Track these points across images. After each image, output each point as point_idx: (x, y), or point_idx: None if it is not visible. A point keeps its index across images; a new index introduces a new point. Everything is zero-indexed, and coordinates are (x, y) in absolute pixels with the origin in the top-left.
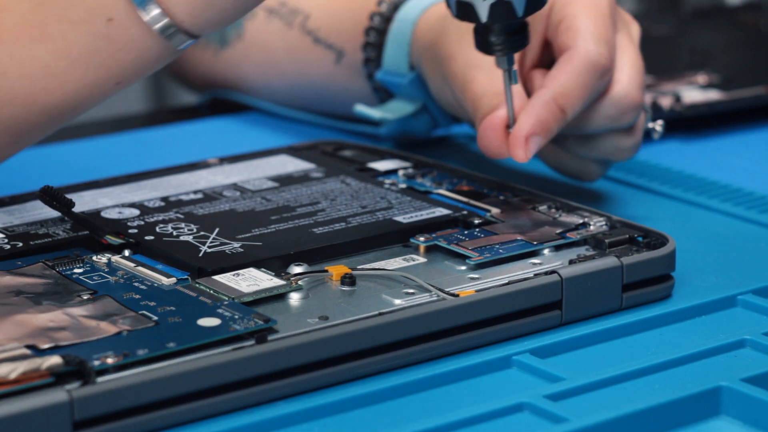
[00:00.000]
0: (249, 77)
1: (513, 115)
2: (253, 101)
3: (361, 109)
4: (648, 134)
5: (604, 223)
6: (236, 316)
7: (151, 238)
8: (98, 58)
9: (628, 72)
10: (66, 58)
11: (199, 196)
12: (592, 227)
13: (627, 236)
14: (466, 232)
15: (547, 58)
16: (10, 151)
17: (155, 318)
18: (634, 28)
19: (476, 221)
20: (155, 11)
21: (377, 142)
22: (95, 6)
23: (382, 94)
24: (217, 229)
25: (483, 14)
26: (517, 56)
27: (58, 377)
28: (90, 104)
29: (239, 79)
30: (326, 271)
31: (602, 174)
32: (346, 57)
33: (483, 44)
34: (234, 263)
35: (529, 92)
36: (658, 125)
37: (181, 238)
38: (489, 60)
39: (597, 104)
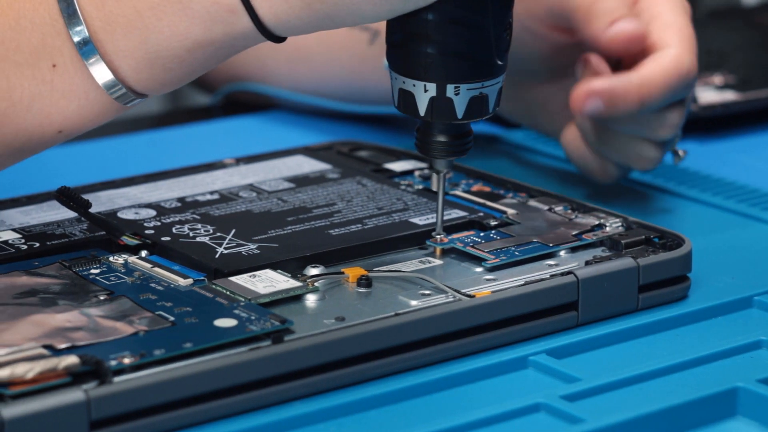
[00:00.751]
0: (274, 68)
1: (441, 222)
2: (273, 91)
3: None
4: (671, 154)
5: (620, 224)
6: (253, 317)
7: (168, 238)
8: (39, 104)
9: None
10: (7, 100)
11: (216, 196)
12: (608, 228)
13: (643, 237)
14: (482, 234)
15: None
16: None
17: (172, 318)
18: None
19: (492, 223)
20: (100, 63)
21: (393, 143)
22: (41, 50)
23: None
24: (233, 230)
25: (422, 108)
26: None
27: (75, 377)
28: (28, 151)
29: (263, 70)
30: (342, 272)
31: (619, 178)
32: (381, 36)
33: (422, 144)
34: (250, 264)
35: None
36: (682, 152)
37: (198, 239)
38: None
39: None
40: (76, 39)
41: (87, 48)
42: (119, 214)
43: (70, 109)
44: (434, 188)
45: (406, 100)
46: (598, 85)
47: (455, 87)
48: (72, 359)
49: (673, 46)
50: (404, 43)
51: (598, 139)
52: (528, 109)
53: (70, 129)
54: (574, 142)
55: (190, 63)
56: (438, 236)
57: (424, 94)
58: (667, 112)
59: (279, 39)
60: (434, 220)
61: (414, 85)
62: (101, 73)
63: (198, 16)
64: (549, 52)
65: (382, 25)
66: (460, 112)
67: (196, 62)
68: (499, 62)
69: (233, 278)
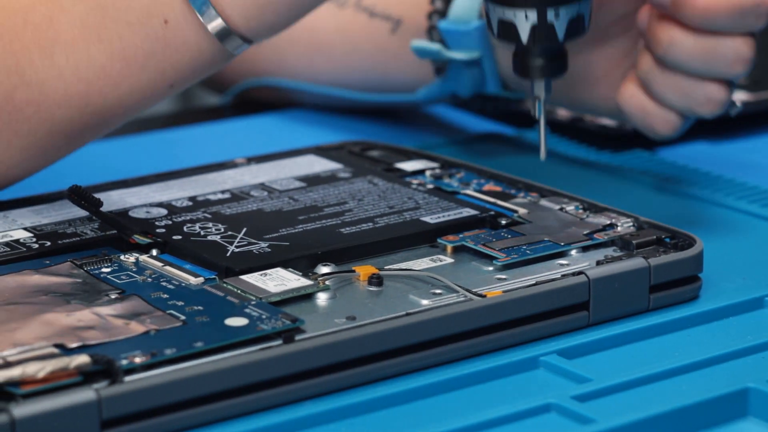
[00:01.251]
0: (292, 61)
1: (545, 145)
2: (289, 83)
3: (419, 43)
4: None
5: (631, 224)
6: (264, 316)
7: (179, 237)
8: (153, 60)
9: None
10: (122, 60)
11: (227, 195)
12: (619, 228)
13: (654, 237)
14: (493, 232)
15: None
16: (63, 153)
17: (183, 317)
18: None
19: (503, 222)
20: (211, 14)
21: (404, 142)
22: (152, 8)
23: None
24: (244, 229)
25: (524, 36)
26: None
27: (86, 376)
28: (143, 106)
29: (281, 64)
30: (353, 271)
31: (680, 130)
32: (404, 24)
33: (522, 67)
34: (261, 263)
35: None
36: (739, 101)
37: (209, 237)
38: None
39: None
40: None
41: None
42: (130, 213)
43: (182, 62)
44: (534, 114)
45: (507, 29)
46: None
47: (555, 11)
48: (83, 358)
49: None
50: None
51: (662, 85)
52: (565, 84)
53: (182, 82)
54: (633, 98)
55: (299, 3)
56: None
57: (525, 21)
58: (735, 43)
59: None
60: (445, 219)
61: (515, 14)
62: (213, 23)
63: None
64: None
65: (405, 13)
66: (561, 34)
67: (303, 3)
68: None
69: (244, 277)
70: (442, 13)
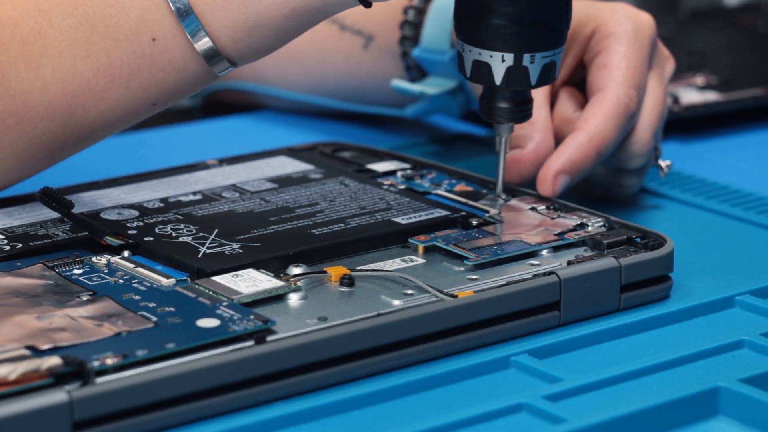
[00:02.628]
0: (266, 71)
1: (502, 182)
2: (261, 89)
3: (399, 83)
4: (656, 168)
5: (602, 224)
6: (235, 317)
7: (151, 239)
8: (138, 77)
9: (645, 117)
10: (107, 76)
11: (199, 197)
12: (590, 228)
13: (625, 237)
14: (464, 232)
15: (578, 77)
16: (42, 166)
17: (155, 319)
18: (669, 67)
19: (475, 222)
20: (201, 34)
21: (376, 143)
22: (140, 25)
23: (415, 73)
24: (216, 230)
25: (498, 77)
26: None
27: (57, 378)
28: (124, 123)
29: (255, 72)
30: (325, 272)
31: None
32: (376, 41)
33: (488, 110)
34: (233, 264)
35: (552, 106)
36: (666, 165)
37: (181, 239)
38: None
39: None
40: (177, 11)
41: (188, 19)
42: (102, 215)
43: (167, 81)
44: (498, 149)
45: (481, 70)
46: (558, 164)
47: (531, 56)
48: (55, 360)
49: (606, 87)
50: (480, 16)
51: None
52: None
53: (164, 101)
54: None
55: (285, 30)
56: (500, 196)
57: (501, 64)
58: (630, 144)
59: (368, 3)
60: (416, 220)
61: (491, 56)
62: (201, 44)
63: None
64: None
65: (375, 30)
66: (533, 79)
67: (291, 29)
68: (566, 30)
69: (216, 278)
70: (413, 39)
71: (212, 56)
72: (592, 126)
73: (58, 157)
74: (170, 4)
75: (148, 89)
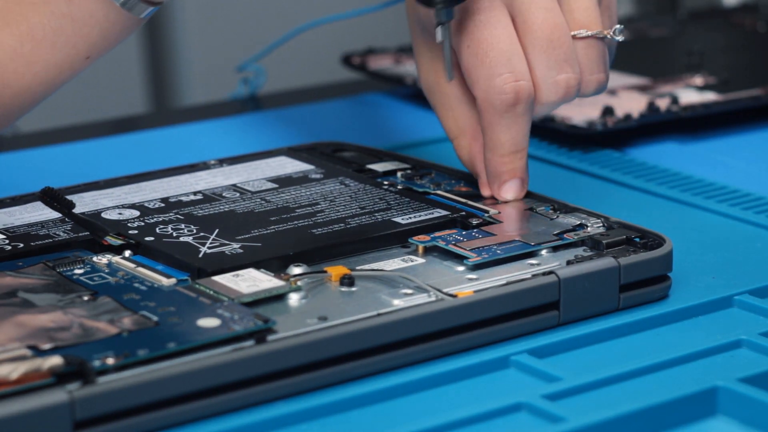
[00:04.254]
0: None
1: (451, 69)
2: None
3: None
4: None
5: (601, 224)
6: (236, 317)
7: (151, 239)
8: (63, 37)
9: (534, 53)
10: (31, 41)
11: (199, 197)
12: (589, 228)
13: (624, 237)
14: (464, 232)
15: None
16: None
17: (155, 318)
18: None
19: (474, 222)
20: None
21: (376, 144)
22: None
23: None
24: (216, 230)
25: None
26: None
27: (58, 377)
28: (61, 81)
29: None
30: (325, 271)
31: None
32: None
33: None
34: (233, 264)
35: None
36: (617, 29)
37: (181, 239)
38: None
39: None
40: None
41: None
42: (103, 215)
43: (93, 35)
44: (439, 39)
45: None
46: (493, 186)
47: None
48: (56, 360)
49: (475, 95)
50: None
51: None
52: None
53: (98, 52)
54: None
55: None
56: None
57: None
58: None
59: None
60: (416, 220)
61: None
62: None
63: None
64: None
65: None
66: None
67: None
68: None
69: (216, 278)
70: None
71: (130, 3)
72: (489, 138)
73: (3, 124)
74: None
75: (77, 45)
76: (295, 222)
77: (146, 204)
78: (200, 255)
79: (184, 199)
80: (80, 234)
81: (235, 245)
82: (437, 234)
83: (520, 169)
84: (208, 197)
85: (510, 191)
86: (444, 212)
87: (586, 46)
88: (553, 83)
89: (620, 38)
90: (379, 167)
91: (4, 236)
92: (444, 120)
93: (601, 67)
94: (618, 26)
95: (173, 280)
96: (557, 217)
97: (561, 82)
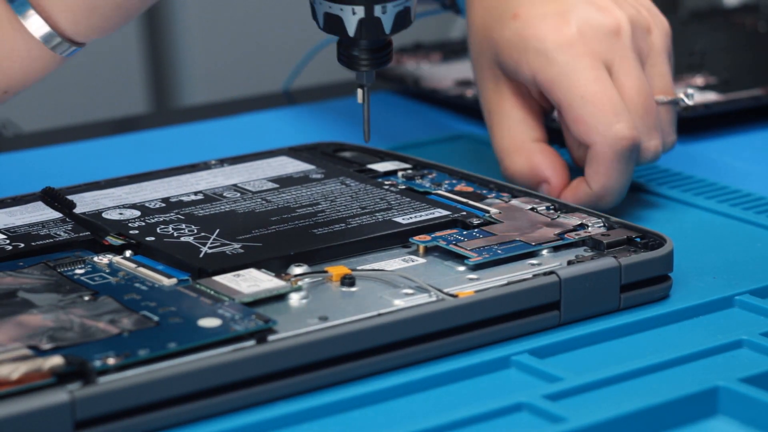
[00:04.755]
0: None
1: (369, 131)
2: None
3: None
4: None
5: (602, 224)
6: (237, 317)
7: (152, 239)
8: None
9: (639, 118)
10: None
11: (200, 197)
12: (590, 228)
13: (625, 237)
14: (465, 232)
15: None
16: None
17: (156, 318)
18: (657, 35)
19: (475, 222)
20: (37, 21)
21: (377, 144)
22: None
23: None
24: (217, 230)
25: (351, 29)
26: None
27: (59, 377)
28: None
29: None
30: (326, 271)
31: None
32: None
33: (347, 59)
34: (234, 264)
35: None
36: (686, 95)
37: (182, 239)
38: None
39: None
40: (10, 0)
41: (19, 3)
42: (104, 215)
43: (14, 69)
44: (360, 101)
45: (333, 22)
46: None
47: (383, 6)
48: (56, 360)
49: (592, 142)
50: None
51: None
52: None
53: (15, 87)
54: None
55: (127, 8)
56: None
57: (352, 16)
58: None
59: None
60: (417, 220)
61: (342, 9)
62: (38, 28)
63: None
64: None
65: None
66: (387, 28)
67: (133, 5)
68: None
69: (217, 278)
70: None
71: (52, 39)
72: (598, 185)
73: None
74: None
75: None
76: (296, 222)
77: (147, 204)
78: (201, 255)
79: (184, 199)
80: (81, 234)
81: (236, 245)
82: (438, 234)
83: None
84: (209, 197)
85: None
86: (445, 212)
87: (664, 111)
88: (644, 149)
89: (692, 103)
90: (379, 167)
91: (5, 236)
92: (499, 137)
93: (674, 129)
94: (690, 91)
95: (174, 280)
96: (558, 217)
97: (651, 148)
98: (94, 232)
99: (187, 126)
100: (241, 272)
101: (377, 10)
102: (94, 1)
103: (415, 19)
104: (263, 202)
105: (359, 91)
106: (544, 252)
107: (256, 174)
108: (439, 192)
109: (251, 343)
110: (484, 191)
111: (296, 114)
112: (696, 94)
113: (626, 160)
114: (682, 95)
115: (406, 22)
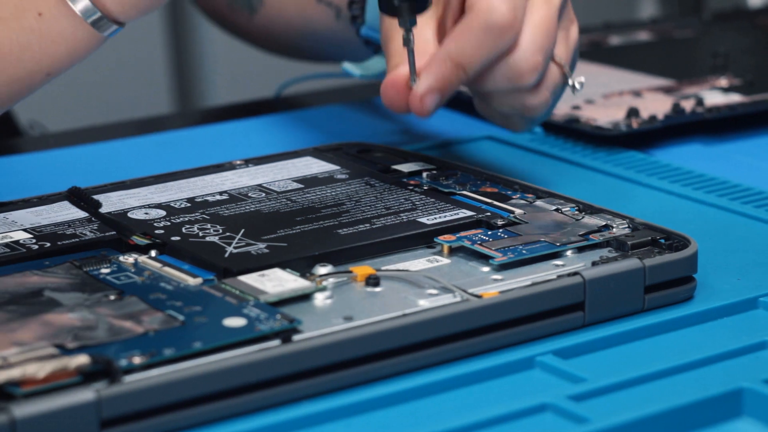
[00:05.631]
0: (277, 39)
1: (415, 74)
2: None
3: (346, 66)
4: (570, 88)
5: (626, 225)
6: (261, 317)
7: (178, 238)
8: (29, 52)
9: (529, 34)
10: None
11: (225, 197)
12: (614, 229)
13: (649, 238)
14: (489, 233)
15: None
16: None
17: (181, 318)
18: (574, 30)
19: (500, 222)
20: (85, 3)
21: (401, 144)
22: (25, 2)
23: (373, 47)
24: (242, 230)
25: None
26: (436, 13)
27: (85, 376)
28: (20, 97)
29: (270, 41)
30: (351, 271)
31: (528, 128)
32: (343, 13)
33: (387, 5)
34: (259, 264)
35: None
36: (578, 82)
37: (207, 238)
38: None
39: (495, 64)
40: None
41: None
42: (129, 214)
43: (59, 52)
44: (407, 44)
45: None
46: (422, 85)
47: None
48: (83, 359)
49: (474, 3)
50: None
51: (479, 99)
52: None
53: (58, 70)
54: (477, 103)
55: None
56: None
57: None
58: (511, 61)
59: None
60: (442, 220)
61: None
62: (88, 11)
63: None
64: None
65: (341, 3)
66: None
67: None
68: None
69: (242, 277)
70: (360, 3)
71: (100, 22)
72: (456, 43)
73: None
74: None
75: (41, 62)
76: (321, 222)
77: (172, 204)
78: (226, 255)
79: (210, 199)
80: (107, 233)
81: (261, 245)
82: (463, 234)
83: (452, 87)
84: (234, 197)
85: (432, 103)
86: (469, 212)
87: (556, 71)
88: (522, 71)
89: (576, 90)
90: (404, 168)
91: (32, 235)
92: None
93: (552, 95)
94: (582, 79)
95: (199, 280)
96: (583, 217)
97: (528, 73)
98: (120, 232)
99: (212, 126)
100: (266, 272)
101: None
102: None
103: None
104: (288, 202)
105: (404, 34)
106: (569, 253)
107: (281, 174)
108: (464, 192)
109: (276, 342)
110: (509, 192)
111: (320, 114)
112: (719, 96)
113: (487, 32)
114: (574, 79)
115: None
